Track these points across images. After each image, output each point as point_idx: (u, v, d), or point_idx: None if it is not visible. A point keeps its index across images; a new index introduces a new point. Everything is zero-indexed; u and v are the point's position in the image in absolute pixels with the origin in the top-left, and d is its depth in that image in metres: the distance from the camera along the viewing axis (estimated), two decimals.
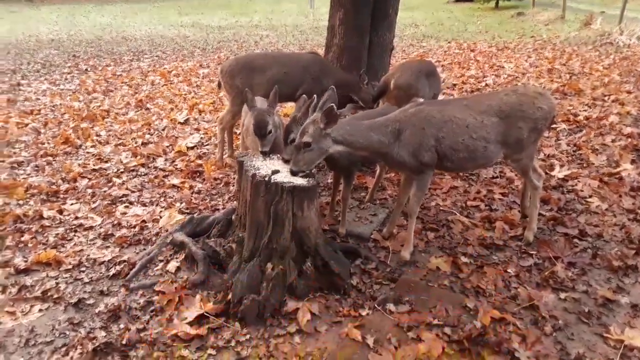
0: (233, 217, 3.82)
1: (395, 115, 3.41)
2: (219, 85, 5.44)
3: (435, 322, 3.02)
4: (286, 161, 3.34)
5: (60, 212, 4.46)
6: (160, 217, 4.33)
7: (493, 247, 3.88)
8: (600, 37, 14.05)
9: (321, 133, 3.16)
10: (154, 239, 4.01)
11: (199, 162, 5.68)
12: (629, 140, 6.11)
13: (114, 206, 4.59)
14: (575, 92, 8.67)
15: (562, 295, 3.31)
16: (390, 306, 3.18)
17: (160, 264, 3.60)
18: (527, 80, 9.78)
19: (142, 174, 5.45)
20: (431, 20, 21.35)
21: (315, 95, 3.44)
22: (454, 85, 9.43)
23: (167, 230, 4.04)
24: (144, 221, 4.26)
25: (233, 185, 5.00)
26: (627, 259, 3.65)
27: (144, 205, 4.64)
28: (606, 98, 8.09)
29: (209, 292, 3.35)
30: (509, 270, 3.56)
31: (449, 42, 15.09)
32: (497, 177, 5.22)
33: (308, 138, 3.14)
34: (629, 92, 8.42)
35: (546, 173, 5.07)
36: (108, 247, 3.90)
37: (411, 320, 3.04)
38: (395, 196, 4.72)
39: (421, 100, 4.24)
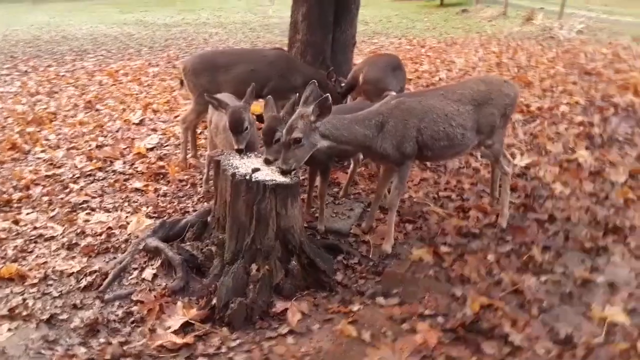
0: (209, 219, 3.68)
1: (377, 108, 3.39)
2: (181, 83, 5.24)
3: (427, 312, 3.02)
4: (269, 162, 3.22)
5: (16, 222, 4.16)
6: (128, 223, 4.11)
7: (470, 235, 3.93)
8: (542, 32, 14.65)
9: (311, 127, 3.08)
10: (123, 246, 3.80)
11: (161, 163, 5.46)
12: (581, 128, 6.37)
13: (74, 214, 4.33)
14: (525, 84, 8.95)
15: (543, 278, 3.39)
16: (380, 300, 3.16)
17: (135, 272, 3.41)
18: (477, 74, 10.03)
19: (100, 178, 5.18)
20: (379, 17, 21.57)
21: (297, 93, 3.34)
22: (409, 80, 9.54)
23: (137, 237, 3.84)
24: (109, 228, 4.03)
25: (200, 186, 4.84)
26: (597, 240, 3.80)
27: (107, 211, 4.40)
28: (554, 89, 8.40)
29: (190, 299, 3.21)
30: (488, 257, 3.61)
31: (399, 39, 15.27)
32: (463, 167, 5.30)
33: (298, 133, 3.05)
34: (574, 83, 8.79)
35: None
36: (74, 257, 3.67)
37: (403, 312, 3.02)
38: (369, 190, 4.71)
39: (393, 93, 4.25)
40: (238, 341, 2.87)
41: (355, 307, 3.08)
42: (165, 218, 3.93)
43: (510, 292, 3.24)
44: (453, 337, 2.84)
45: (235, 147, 3.34)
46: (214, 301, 3.09)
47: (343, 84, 5.69)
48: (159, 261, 3.45)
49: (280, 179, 3.11)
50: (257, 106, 6.99)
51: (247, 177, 3.09)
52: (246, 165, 3.27)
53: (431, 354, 2.72)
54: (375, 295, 3.19)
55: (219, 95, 4.31)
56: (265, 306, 3.08)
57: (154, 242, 3.56)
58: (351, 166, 4.51)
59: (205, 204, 4.47)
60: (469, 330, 2.86)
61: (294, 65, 5.21)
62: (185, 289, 3.26)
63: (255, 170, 3.18)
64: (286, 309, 3.07)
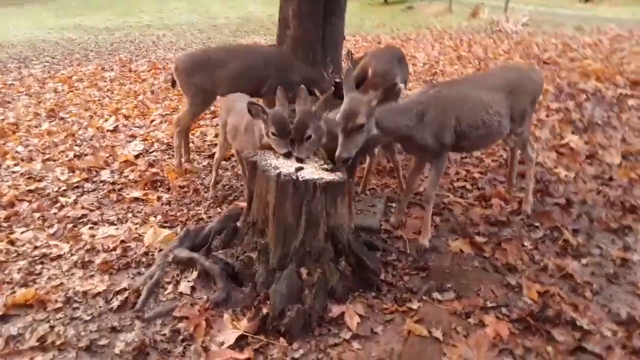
0: (238, 224, 3.46)
1: (417, 97, 3.30)
2: (173, 83, 4.93)
3: (489, 304, 2.96)
4: (300, 160, 3.04)
5: (12, 242, 3.75)
6: (140, 235, 3.81)
7: (499, 223, 3.91)
8: (490, 26, 15.11)
9: (372, 113, 2.95)
10: (143, 259, 3.51)
11: (154, 170, 5.12)
12: (561, 114, 6.56)
13: (76, 229, 3.97)
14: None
15: (583, 260, 3.43)
16: (437, 295, 3.07)
17: (170, 287, 3.14)
18: (442, 66, 10.18)
19: (90, 189, 4.79)
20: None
21: (332, 88, 3.16)
22: None
23: (158, 249, 3.56)
24: (123, 242, 3.71)
25: (205, 192, 4.58)
26: (620, 220, 3.88)
27: (112, 224, 4.06)
28: None
29: (234, 310, 2.99)
30: (525, 244, 3.61)
31: (353, 36, 15.30)
32: (465, 157, 5.31)
33: (362, 119, 2.89)
34: None
35: (504, 150, 5.25)
36: (92, 275, 3.34)
37: (464, 306, 2.95)
38: (382, 185, 4.62)
39: (402, 85, 4.17)
40: (301, 351, 2.69)
41: (414, 305, 2.97)
42: (188, 227, 3.63)
43: (560, 278, 3.23)
44: (522, 327, 2.79)
45: (296, 155, 3.05)
46: (265, 310, 2.89)
47: (337, 79, 5.59)
48: (194, 272, 3.19)
49: (329, 176, 2.95)
50: None
51: (294, 177, 2.90)
52: (287, 165, 3.08)
53: (507, 346, 2.65)
54: (431, 291, 3.09)
55: (232, 95, 4.11)
56: (322, 312, 2.91)
57: (184, 252, 3.30)
58: (367, 162, 4.40)
59: (218, 209, 4.23)
60: (536, 319, 2.81)
61: (291, 62, 5.03)
62: (228, 300, 3.03)
63: (299, 169, 3.00)
64: (343, 313, 2.92)
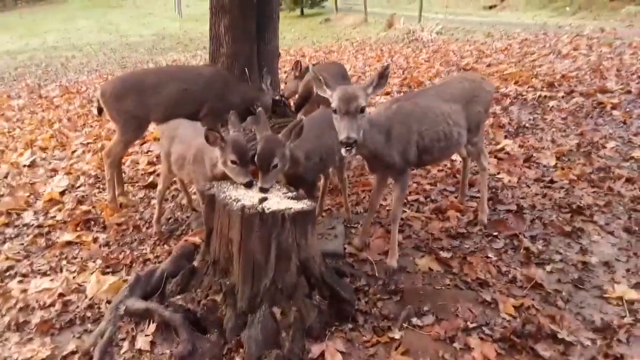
0: (195, 264, 3.17)
1: (384, 113, 3.19)
2: (99, 111, 4.50)
3: (470, 325, 2.88)
4: (265, 190, 2.83)
5: None
6: (80, 285, 3.41)
7: (459, 236, 3.89)
8: (406, 35, 15.57)
9: (368, 100, 2.85)
10: (88, 314, 3.12)
11: (84, 208, 4.67)
12: (490, 119, 6.77)
13: (2, 284, 3.48)
14: (417, 84, 9.37)
15: (547, 268, 3.45)
16: (416, 321, 2.95)
17: (126, 344, 2.80)
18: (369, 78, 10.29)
19: (13, 235, 4.27)
20: None
21: (303, 118, 2.97)
22: None
23: (103, 300, 3.19)
24: (61, 295, 3.29)
25: (148, 227, 4.21)
26: (572, 223, 3.98)
27: (45, 274, 3.61)
28: None
29: None
30: (489, 256, 3.60)
31: None
32: (412, 168, 5.29)
33: (363, 101, 2.76)
34: None
35: (450, 160, 5.30)
36: (31, 339, 2.92)
37: (446, 329, 2.85)
38: (336, 205, 4.47)
39: None
40: None
41: (395, 334, 2.83)
42: (137, 272, 3.26)
43: (530, 288, 3.23)
44: (507, 346, 2.74)
45: (261, 185, 2.83)
46: (238, 359, 2.64)
47: (277, 96, 5.42)
48: (152, 325, 2.87)
49: (298, 205, 2.75)
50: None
51: (259, 209, 2.68)
52: (247, 195, 2.85)
53: None
54: (409, 317, 2.97)
55: (174, 122, 3.82)
56: (301, 353, 2.70)
57: (138, 302, 2.96)
58: (321, 182, 4.23)
59: (166, 246, 3.89)
60: (518, 336, 2.76)
61: (230, 83, 4.77)
62: (194, 353, 2.74)
63: (263, 199, 2.78)
64: (323, 352, 2.72)
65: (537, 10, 20.39)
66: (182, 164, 3.54)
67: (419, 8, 17.04)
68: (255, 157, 2.81)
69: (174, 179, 4.13)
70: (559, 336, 2.77)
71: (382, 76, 2.83)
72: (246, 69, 5.03)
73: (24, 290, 3.38)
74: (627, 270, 3.40)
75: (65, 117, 8.43)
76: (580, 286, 3.27)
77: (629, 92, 7.61)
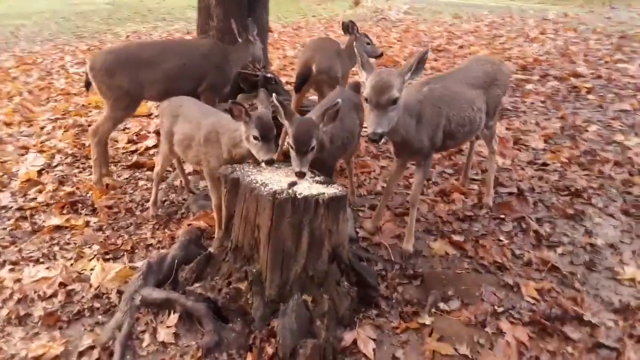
0: (211, 250, 3.00)
1: (415, 96, 3.08)
2: (87, 86, 4.17)
3: (498, 309, 2.87)
4: (302, 174, 2.68)
5: None
6: (80, 273, 3.18)
7: (467, 219, 3.88)
8: (374, 14, 15.43)
9: (403, 88, 2.70)
10: (97, 305, 2.91)
11: (67, 189, 4.36)
12: None
13: None
14: (393, 63, 9.31)
15: (559, 250, 3.50)
16: (443, 305, 2.92)
17: (147, 336, 2.62)
18: None
19: None
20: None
21: (339, 100, 2.80)
22: (285, 66, 9.24)
23: (111, 290, 2.98)
24: (62, 284, 3.05)
25: (142, 210, 3.98)
26: (573, 206, 4.05)
27: (38, 262, 3.34)
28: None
29: (229, 353, 2.58)
30: (501, 239, 3.61)
31: None
32: None
33: (396, 93, 2.62)
34: (435, 60, 9.41)
35: None
36: (37, 334, 2.69)
37: (475, 314, 2.83)
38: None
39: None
40: None
41: (426, 320, 2.79)
42: (149, 260, 3.04)
43: (547, 271, 3.26)
44: (538, 330, 2.75)
45: (299, 169, 2.64)
46: (270, 350, 2.53)
47: (269, 74, 5.23)
48: (174, 315, 2.70)
49: (330, 190, 2.63)
50: (144, 106, 6.08)
51: (291, 195, 2.55)
52: (275, 180, 2.71)
53: (532, 354, 2.59)
54: (436, 302, 2.93)
55: (176, 99, 3.59)
56: (335, 342, 2.61)
57: (156, 292, 2.79)
58: None
59: (166, 230, 3.69)
60: (548, 318, 2.78)
61: (229, 54, 4.51)
62: (220, 343, 2.61)
63: (292, 184, 2.65)
64: (355, 340, 2.65)
65: None
66: (188, 145, 3.33)
67: None
68: (292, 140, 2.65)
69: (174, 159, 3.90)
70: (585, 318, 2.80)
71: (421, 61, 2.69)
72: (232, 20, 4.71)
73: (18, 280, 3.11)
74: (633, 252, 3.49)
75: (25, 90, 7.85)
76: (593, 268, 3.33)
77: (600, 77, 7.84)
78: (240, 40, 4.56)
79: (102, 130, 4.20)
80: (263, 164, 2.76)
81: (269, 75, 5.20)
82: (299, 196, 2.55)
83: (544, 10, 15.19)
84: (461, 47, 10.73)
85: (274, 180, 2.71)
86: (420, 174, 3.32)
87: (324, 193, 2.59)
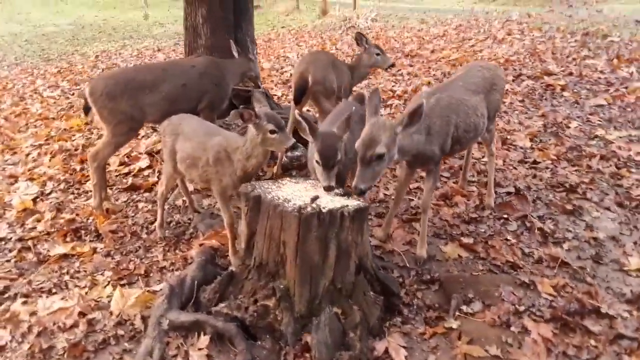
0: (233, 269, 3.00)
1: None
2: (86, 111, 4.11)
3: (519, 308, 2.95)
4: (330, 188, 2.71)
5: None
6: (98, 301, 3.12)
7: (472, 221, 3.97)
8: (343, 23, 15.60)
9: (395, 140, 2.72)
10: (121, 332, 2.86)
11: (67, 216, 4.27)
12: None
13: (5, 307, 3.11)
14: (372, 70, 9.41)
15: (565, 246, 3.61)
16: (466, 309, 2.98)
17: None
18: None
19: None
20: (174, 18, 20.43)
21: (353, 108, 2.85)
22: (263, 78, 9.25)
23: (134, 316, 2.94)
24: (82, 314, 3.00)
25: (147, 233, 3.94)
26: (571, 201, 4.18)
27: (50, 292, 3.27)
28: (401, 74, 8.99)
29: None
30: (508, 238, 3.70)
31: None
32: None
33: (382, 148, 2.64)
34: (411, 66, 9.58)
35: None
36: None
37: (499, 314, 2.90)
38: None
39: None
40: None
41: (453, 325, 2.84)
42: (169, 282, 3.01)
43: (558, 267, 3.36)
44: (560, 325, 2.83)
45: (327, 183, 2.70)
46: None
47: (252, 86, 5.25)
48: (204, 337, 2.68)
49: (353, 203, 2.67)
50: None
51: (317, 209, 2.57)
52: (296, 195, 2.73)
53: (560, 349, 2.67)
54: (459, 305, 2.99)
55: (176, 117, 3.58)
56: (368, 352, 2.64)
57: (183, 315, 2.76)
58: None
59: (177, 252, 3.66)
60: (569, 313, 2.87)
61: (225, 69, 4.53)
62: None
63: (315, 198, 2.67)
64: (386, 349, 2.69)
65: None
66: (192, 164, 3.32)
67: None
68: (318, 155, 2.68)
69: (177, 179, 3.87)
70: (602, 311, 2.90)
71: (415, 114, 2.70)
72: (231, 41, 4.75)
73: (33, 313, 3.04)
74: (635, 243, 3.63)
75: (0, 117, 7.66)
76: (600, 261, 3.45)
77: (571, 74, 8.11)
78: (236, 56, 4.59)
79: (103, 155, 4.14)
80: (289, 151, 2.82)
81: (260, 90, 5.22)
82: (323, 210, 2.57)
83: (507, 11, 15.62)
84: (433, 51, 10.93)
85: (296, 195, 2.73)
86: (430, 180, 3.39)
87: (347, 205, 2.63)
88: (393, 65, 5.08)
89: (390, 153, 2.74)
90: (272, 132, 2.81)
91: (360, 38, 4.85)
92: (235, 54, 4.61)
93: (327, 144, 2.68)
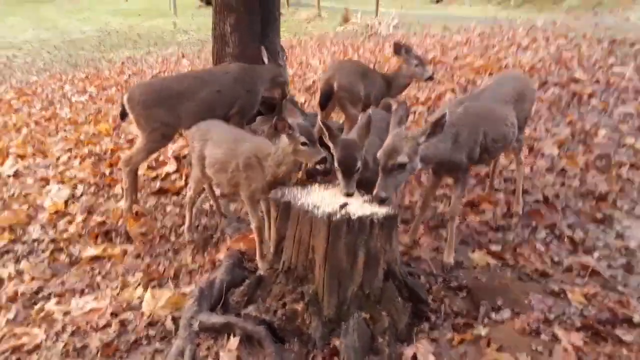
0: (261, 273, 3.03)
1: (448, 119, 3.14)
2: (123, 116, 4.20)
3: (549, 316, 2.92)
4: (350, 195, 2.75)
5: None
6: (129, 302, 3.18)
7: (500, 228, 3.95)
8: (364, 30, 15.65)
9: (417, 150, 2.72)
10: (152, 332, 2.92)
11: (99, 219, 4.36)
12: None
13: (40, 306, 3.20)
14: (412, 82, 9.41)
15: (595, 255, 3.56)
16: (495, 316, 2.96)
17: None
18: None
19: (25, 252, 3.94)
20: (196, 25, 20.73)
21: (369, 111, 2.88)
22: None
23: (166, 317, 2.99)
24: (113, 314, 3.06)
25: (176, 236, 4.00)
26: (601, 210, 4.13)
27: (83, 293, 3.35)
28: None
29: None
30: (538, 246, 3.67)
31: None
32: None
33: (404, 158, 2.66)
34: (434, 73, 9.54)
35: None
36: None
37: (528, 322, 2.87)
38: None
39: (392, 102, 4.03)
40: None
41: (482, 332, 2.82)
42: (200, 285, 3.05)
43: (589, 276, 3.32)
44: (591, 334, 2.79)
45: (346, 190, 2.75)
46: None
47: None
48: (234, 339, 2.71)
49: (382, 210, 2.68)
50: None
51: (345, 216, 2.59)
52: (326, 201, 2.75)
53: (590, 358, 2.63)
54: (488, 313, 2.98)
55: (204, 123, 3.64)
56: (396, 358, 2.64)
57: (214, 317, 2.80)
58: None
59: (206, 255, 3.71)
60: (600, 322, 2.84)
61: (257, 75, 4.62)
62: None
63: (344, 205, 2.69)
64: (415, 355, 2.68)
65: (482, 5, 21.11)
66: (221, 169, 3.36)
67: (376, 2, 17.19)
68: (337, 163, 2.72)
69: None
70: (634, 320, 2.86)
71: (438, 125, 2.70)
72: (262, 47, 4.83)
73: (66, 313, 3.11)
74: None
75: (31, 121, 7.86)
76: (631, 271, 3.40)
77: (598, 81, 8.00)
78: (266, 63, 4.67)
79: (136, 160, 4.23)
80: (318, 165, 2.84)
81: (287, 97, 5.27)
82: (353, 217, 2.59)
83: (532, 18, 15.48)
84: (456, 58, 10.89)
85: (325, 202, 2.75)
86: (459, 188, 3.38)
87: (376, 212, 2.64)
88: (432, 77, 4.92)
89: (413, 163, 2.74)
90: (303, 144, 2.84)
91: (399, 48, 4.74)
92: (266, 60, 4.68)
93: (347, 151, 2.72)
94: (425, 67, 4.84)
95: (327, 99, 4.54)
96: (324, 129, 2.83)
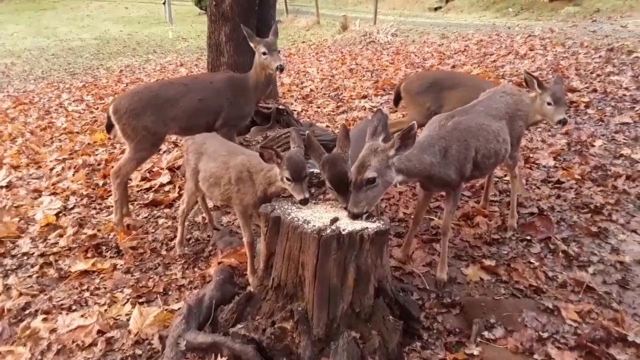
0: (252, 289, 2.99)
1: (437, 132, 3.11)
2: (109, 128, 4.18)
3: (542, 334, 2.87)
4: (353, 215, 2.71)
5: None
6: (117, 319, 3.14)
7: (494, 242, 3.90)
8: (363, 37, 15.67)
9: (387, 164, 2.66)
10: (139, 352, 2.87)
11: (88, 232, 4.32)
12: None
13: (25, 324, 3.15)
14: (390, 87, 9.42)
15: (590, 270, 3.52)
16: (488, 334, 2.91)
17: None
18: (341, 81, 10.24)
19: (14, 266, 3.89)
20: (196, 33, 20.78)
21: (343, 124, 2.85)
22: (284, 93, 9.32)
23: (152, 335, 2.95)
24: (100, 332, 3.01)
25: (167, 250, 3.96)
26: (596, 223, 4.09)
27: (70, 309, 3.30)
28: None
29: None
30: (532, 261, 3.63)
31: None
32: None
33: (372, 173, 2.59)
34: None
35: None
36: None
37: (522, 341, 2.82)
38: None
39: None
40: None
41: (474, 351, 2.78)
42: (188, 302, 3.02)
43: (583, 292, 3.28)
44: (585, 354, 2.75)
45: (344, 205, 2.71)
46: None
47: (282, 106, 5.29)
48: (222, 359, 2.66)
49: (373, 225, 2.64)
50: None
51: (335, 231, 2.55)
52: (316, 216, 2.72)
53: None
54: (481, 331, 2.93)
55: (200, 136, 3.61)
56: None
57: (201, 336, 2.75)
58: None
59: (196, 270, 3.66)
60: (593, 341, 2.79)
61: (242, 86, 4.55)
62: None
63: (335, 220, 2.65)
64: None
65: (480, 12, 21.13)
66: (215, 182, 3.33)
67: (374, 10, 17.23)
68: (328, 183, 2.69)
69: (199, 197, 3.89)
70: (629, 339, 2.81)
71: (406, 137, 2.60)
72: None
73: (53, 330, 3.07)
74: None
75: (26, 130, 7.83)
76: (626, 286, 3.35)
77: (595, 90, 7.98)
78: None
79: (125, 171, 4.20)
80: (298, 204, 2.79)
81: (280, 107, 5.25)
82: (343, 232, 2.55)
83: (529, 26, 15.49)
84: (454, 66, 10.90)
85: (315, 217, 2.72)
86: (449, 204, 3.34)
87: (367, 228, 2.60)
88: (564, 122, 3.81)
89: (385, 177, 2.66)
90: (287, 179, 2.78)
91: (530, 80, 3.85)
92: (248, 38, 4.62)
93: (335, 169, 2.70)
94: (560, 108, 3.80)
95: (396, 100, 5.06)
96: (310, 146, 2.80)
